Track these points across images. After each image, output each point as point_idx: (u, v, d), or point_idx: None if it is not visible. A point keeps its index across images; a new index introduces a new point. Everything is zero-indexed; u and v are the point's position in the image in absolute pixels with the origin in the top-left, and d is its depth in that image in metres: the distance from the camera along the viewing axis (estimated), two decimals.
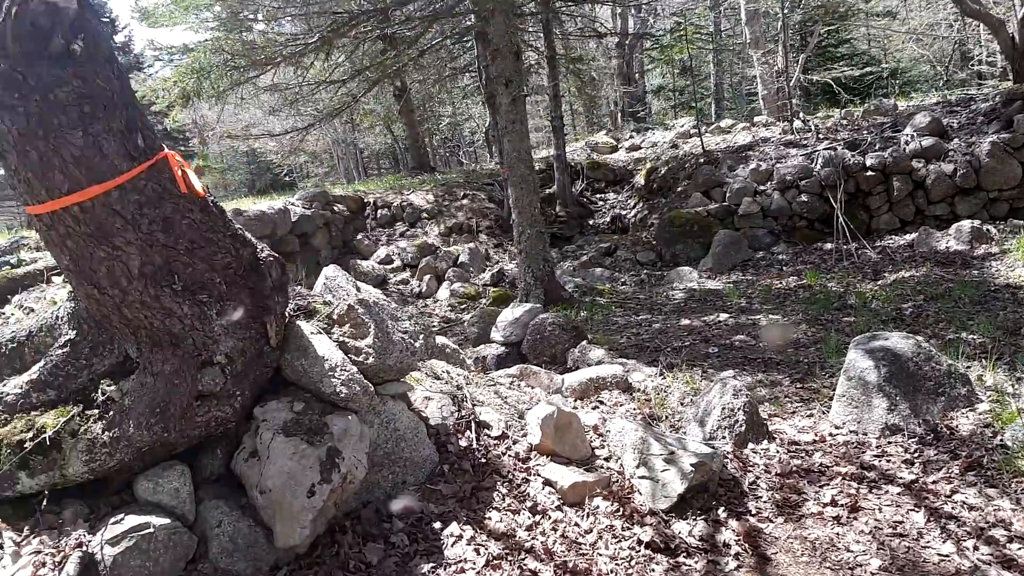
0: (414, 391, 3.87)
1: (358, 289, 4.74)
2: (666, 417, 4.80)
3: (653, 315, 8.63)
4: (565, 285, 9.98)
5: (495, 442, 3.80)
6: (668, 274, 10.48)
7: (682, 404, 5.24)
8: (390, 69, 9.29)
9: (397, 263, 11.58)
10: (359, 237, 12.03)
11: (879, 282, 8.59)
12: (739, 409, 4.23)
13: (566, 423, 3.71)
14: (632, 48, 22.66)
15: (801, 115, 13.15)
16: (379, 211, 12.58)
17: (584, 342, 6.87)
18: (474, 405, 3.96)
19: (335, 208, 12.08)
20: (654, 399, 5.28)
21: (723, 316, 7.97)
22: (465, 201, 12.87)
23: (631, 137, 15.87)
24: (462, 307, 10.47)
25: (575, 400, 5.34)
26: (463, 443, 3.72)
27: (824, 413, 4.79)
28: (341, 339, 3.47)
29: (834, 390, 5.33)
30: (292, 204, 10.91)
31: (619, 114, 23.56)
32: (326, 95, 10.66)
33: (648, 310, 8.89)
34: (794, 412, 5.06)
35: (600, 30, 15.96)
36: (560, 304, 9.14)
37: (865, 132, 11.60)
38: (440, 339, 4.81)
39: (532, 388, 4.75)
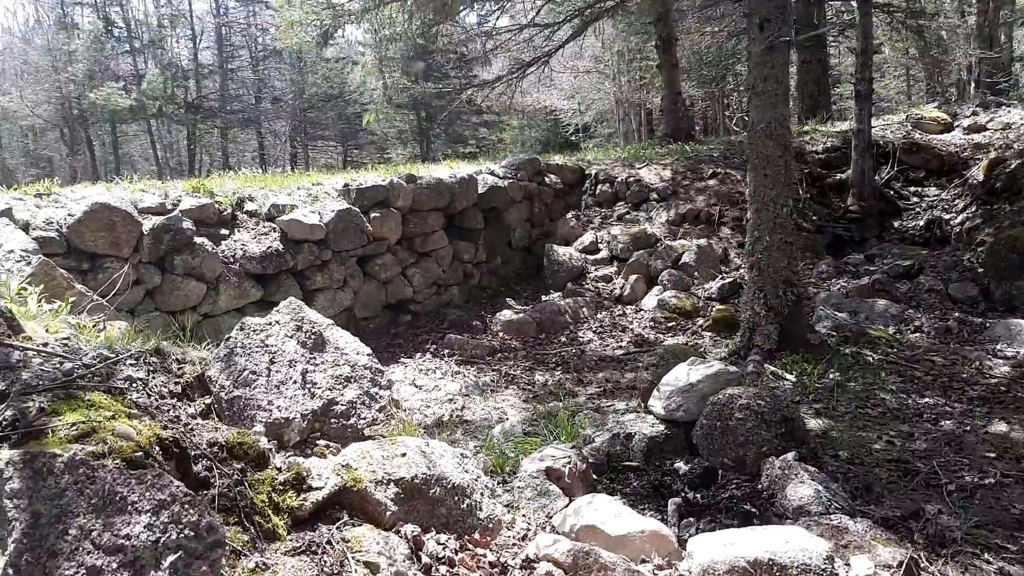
0: None
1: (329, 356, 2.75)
2: None
3: (948, 400, 5.35)
4: (818, 322, 6.89)
5: None
6: (994, 325, 6.76)
7: None
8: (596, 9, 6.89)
9: (603, 253, 9.29)
10: (568, 216, 9.94)
11: None
12: None
13: None
14: (999, 3, 16.87)
15: None
16: (599, 186, 10.33)
17: (792, 453, 4.08)
18: None
19: (546, 180, 10.09)
20: None
21: None
22: (712, 182, 10.04)
23: (974, 114, 11.37)
24: (669, 324, 7.92)
25: None
26: None
27: None
28: None
29: None
30: (485, 172, 9.16)
31: (972, 85, 17.93)
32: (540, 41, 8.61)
33: (942, 389, 5.58)
34: None
35: None
36: (801, 354, 6.18)
37: None
38: (440, 451, 2.61)
39: None
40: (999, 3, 16.95)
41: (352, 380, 2.71)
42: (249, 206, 6.82)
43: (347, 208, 7.19)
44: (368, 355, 2.85)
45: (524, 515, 3.69)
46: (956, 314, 7.14)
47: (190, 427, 2.23)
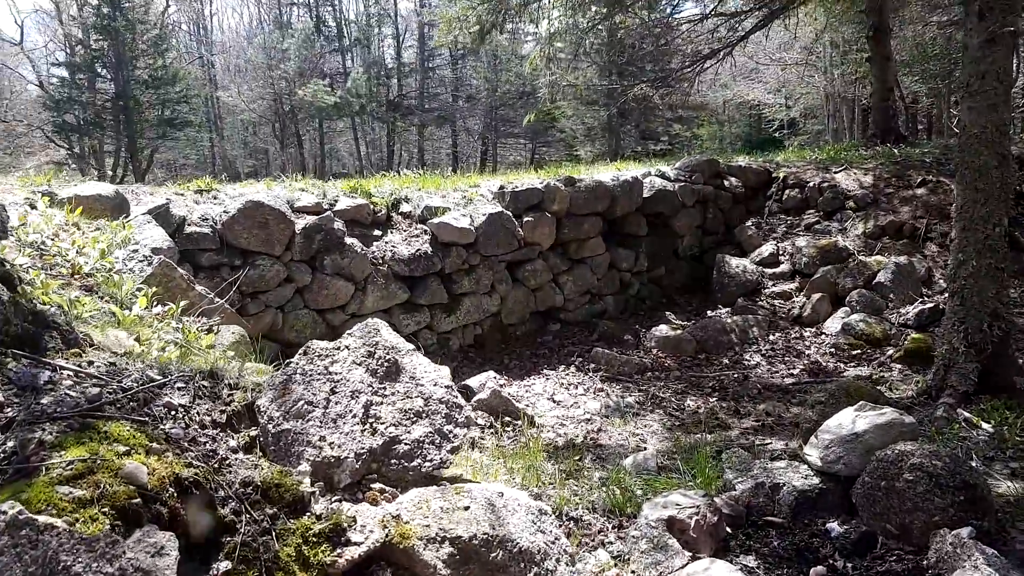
0: None
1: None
2: None
3: None
4: None
5: None
6: None
7: None
8: None
9: (784, 267, 8.35)
10: (748, 224, 9.07)
11: None
12: None
13: None
14: None
15: None
16: (787, 191, 9.32)
17: (968, 529, 3.26)
18: None
19: (725, 183, 9.28)
20: None
21: None
22: (921, 191, 8.67)
23: None
24: (852, 353, 6.93)
25: None
26: None
27: None
28: None
29: None
30: (655, 174, 8.56)
31: None
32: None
33: None
34: None
35: None
36: (1003, 400, 5.11)
37: None
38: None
39: None
40: None
41: (423, 415, 2.43)
42: (404, 207, 6.85)
43: (499, 212, 7.01)
44: (447, 387, 2.55)
45: (633, 571, 3.25)
46: None
47: (228, 462, 2.07)
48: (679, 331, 7.25)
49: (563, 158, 30.08)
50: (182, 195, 5.75)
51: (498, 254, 7.06)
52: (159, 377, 2.12)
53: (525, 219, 7.25)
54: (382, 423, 2.35)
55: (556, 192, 7.42)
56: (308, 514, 2.05)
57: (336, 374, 2.38)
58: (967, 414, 5.11)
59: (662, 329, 7.29)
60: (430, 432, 2.42)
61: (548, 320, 7.75)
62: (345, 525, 2.05)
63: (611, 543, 3.54)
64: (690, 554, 3.28)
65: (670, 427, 5.57)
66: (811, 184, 9.20)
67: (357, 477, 2.24)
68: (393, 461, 2.31)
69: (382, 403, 2.40)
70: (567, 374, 6.63)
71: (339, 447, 2.23)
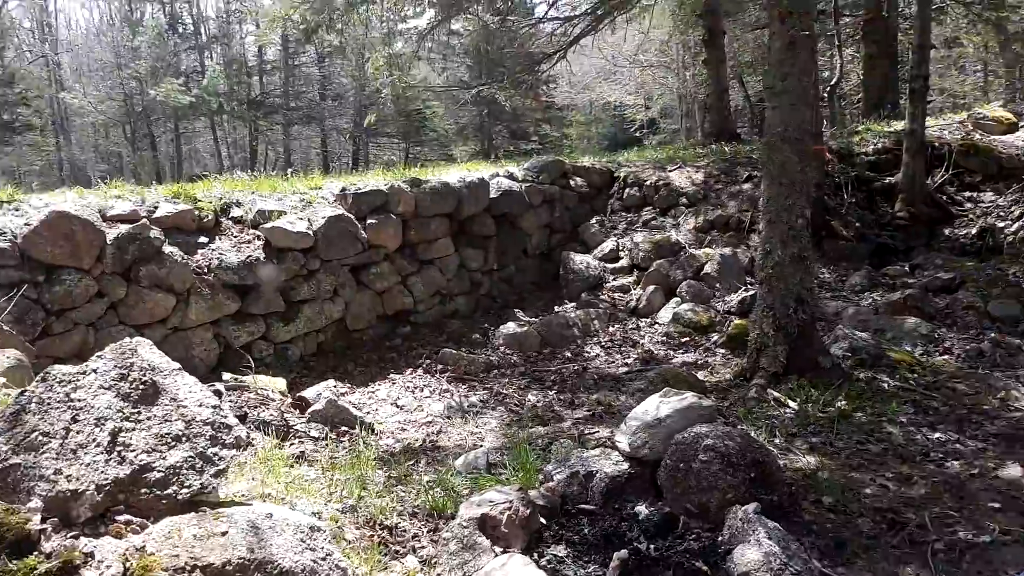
0: None
1: None
2: None
3: (961, 436, 4.72)
4: (835, 343, 6.21)
5: None
6: None
7: None
8: None
9: (624, 262, 8.73)
10: (592, 222, 9.42)
11: None
12: None
13: None
14: None
15: None
16: (627, 190, 9.76)
17: (754, 505, 3.51)
18: None
19: (571, 183, 9.59)
20: None
21: None
22: (747, 186, 9.31)
23: None
24: (681, 340, 7.34)
25: None
26: None
27: None
28: None
29: None
30: (503, 175, 8.73)
31: None
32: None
33: (957, 423, 4.93)
34: None
35: None
36: (810, 379, 5.59)
37: None
38: None
39: None
40: None
41: (184, 439, 2.36)
42: (235, 212, 6.61)
43: (339, 214, 6.90)
44: (214, 407, 2.49)
45: (439, 575, 3.29)
46: (992, 335, 6.42)
47: None
48: (526, 327, 7.42)
49: (438, 157, 29.92)
50: None
51: (340, 258, 6.94)
52: None
53: (369, 221, 7.17)
54: (132, 451, 2.26)
55: (401, 194, 7.39)
56: (36, 553, 1.95)
57: (79, 400, 2.27)
58: (776, 393, 5.55)
59: (509, 327, 7.43)
60: (190, 456, 2.35)
61: (398, 323, 7.71)
62: (78, 562, 1.97)
63: (423, 547, 3.56)
64: (500, 550, 3.33)
65: (508, 423, 5.68)
66: (648, 183, 9.67)
67: (100, 510, 2.14)
68: (143, 490, 2.23)
69: (135, 429, 2.31)
70: (414, 377, 6.62)
71: (77, 479, 2.13)
